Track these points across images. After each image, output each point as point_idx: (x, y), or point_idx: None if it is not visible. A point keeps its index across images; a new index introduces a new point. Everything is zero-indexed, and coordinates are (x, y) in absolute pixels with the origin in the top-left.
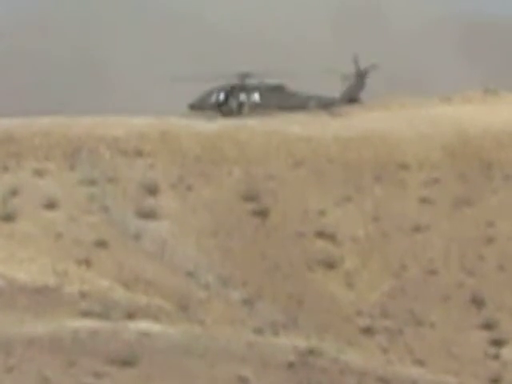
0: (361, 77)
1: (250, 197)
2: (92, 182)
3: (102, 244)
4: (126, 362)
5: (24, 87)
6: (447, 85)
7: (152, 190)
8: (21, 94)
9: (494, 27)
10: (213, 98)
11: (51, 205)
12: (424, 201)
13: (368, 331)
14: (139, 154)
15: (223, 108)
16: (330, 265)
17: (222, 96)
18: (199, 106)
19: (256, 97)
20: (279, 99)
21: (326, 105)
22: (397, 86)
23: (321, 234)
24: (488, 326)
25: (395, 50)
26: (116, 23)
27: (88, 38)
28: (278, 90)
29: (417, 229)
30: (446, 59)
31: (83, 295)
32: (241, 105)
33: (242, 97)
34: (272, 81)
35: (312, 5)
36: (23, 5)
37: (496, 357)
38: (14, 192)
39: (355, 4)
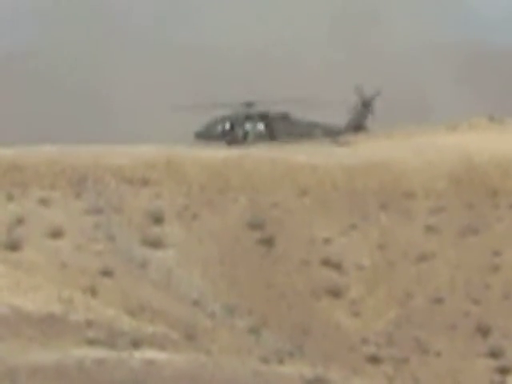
0: (366, 105)
1: (255, 225)
2: (97, 211)
3: (107, 272)
4: None
5: (27, 116)
6: (451, 112)
7: (158, 219)
8: (24, 123)
9: (497, 56)
10: (219, 127)
11: (57, 233)
12: (430, 229)
13: (374, 360)
14: (145, 182)
15: (229, 137)
16: (336, 293)
17: (227, 125)
18: (205, 135)
19: (261, 125)
20: (284, 128)
21: (331, 133)
22: (399, 111)
23: (326, 263)
24: (494, 354)
25: (398, 75)
26: (118, 54)
27: (90, 69)
28: (284, 118)
29: (422, 257)
30: (450, 86)
31: (89, 324)
32: (246, 133)
33: (248, 126)
34: (277, 109)
35: (308, 24)
36: (23, 34)
37: None
38: (19, 220)
39: (353, 26)
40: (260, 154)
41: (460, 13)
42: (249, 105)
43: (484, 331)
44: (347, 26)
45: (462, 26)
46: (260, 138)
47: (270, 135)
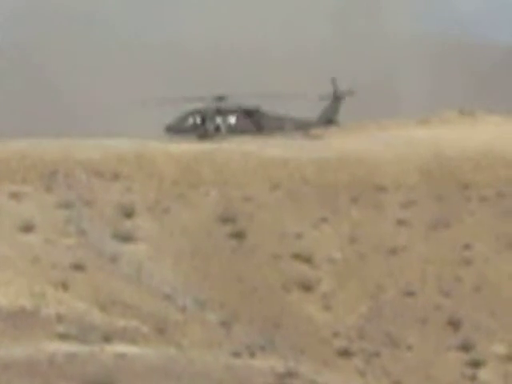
0: (337, 100)
1: (226, 219)
2: (68, 205)
3: (78, 267)
4: None
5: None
6: (423, 105)
7: (129, 213)
8: None
9: (470, 48)
10: (189, 121)
11: (28, 228)
12: (401, 222)
13: (345, 353)
14: (116, 176)
15: (200, 131)
16: (307, 287)
17: (198, 119)
18: (176, 129)
19: (232, 119)
20: (255, 122)
21: (302, 127)
22: (371, 104)
23: (297, 256)
24: (465, 347)
25: (370, 67)
26: (89, 49)
27: (62, 65)
28: (254, 112)
29: (393, 251)
30: (421, 79)
31: (60, 318)
32: (217, 127)
33: (219, 120)
34: (248, 103)
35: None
36: None
37: (473, 378)
38: None
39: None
40: (231, 147)
41: (436, 6)
42: (220, 98)
43: (455, 324)
44: (325, 16)
45: (436, 20)
46: (231, 131)
47: (241, 129)
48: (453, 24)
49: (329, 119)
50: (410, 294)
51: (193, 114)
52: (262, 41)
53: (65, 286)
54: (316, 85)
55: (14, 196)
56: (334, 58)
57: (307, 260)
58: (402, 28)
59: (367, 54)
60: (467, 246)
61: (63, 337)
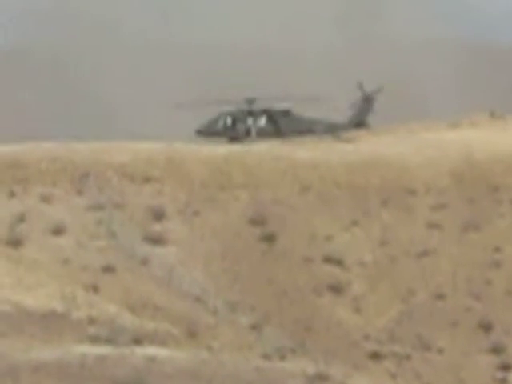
0: (367, 101)
1: (257, 222)
2: (99, 208)
3: (109, 269)
4: None
5: (29, 114)
6: (453, 108)
7: (159, 216)
8: (26, 121)
9: (498, 52)
10: (220, 124)
11: (58, 230)
12: (431, 225)
13: (375, 356)
14: (146, 179)
15: (230, 133)
16: (338, 290)
17: (229, 121)
18: (206, 132)
19: (263, 122)
20: (286, 124)
21: (333, 129)
22: (401, 108)
23: (328, 259)
24: (496, 350)
25: (399, 71)
26: (119, 52)
27: (92, 67)
28: (285, 114)
29: (424, 253)
30: (452, 82)
31: (91, 320)
32: (248, 130)
33: (249, 122)
34: (279, 105)
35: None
36: (27, 32)
37: (504, 381)
38: (21, 218)
39: (354, 22)
40: (262, 150)
41: (461, 9)
42: (250, 101)
43: (486, 327)
44: (349, 22)
45: (464, 23)
46: (262, 134)
47: (272, 131)
48: (483, 27)
49: (359, 122)
50: (441, 296)
51: (223, 116)
52: (281, 42)
53: (95, 289)
54: (341, 87)
55: (45, 198)
56: (359, 61)
57: (338, 263)
58: (433, 30)
59: (396, 58)
60: (498, 249)
61: (94, 339)
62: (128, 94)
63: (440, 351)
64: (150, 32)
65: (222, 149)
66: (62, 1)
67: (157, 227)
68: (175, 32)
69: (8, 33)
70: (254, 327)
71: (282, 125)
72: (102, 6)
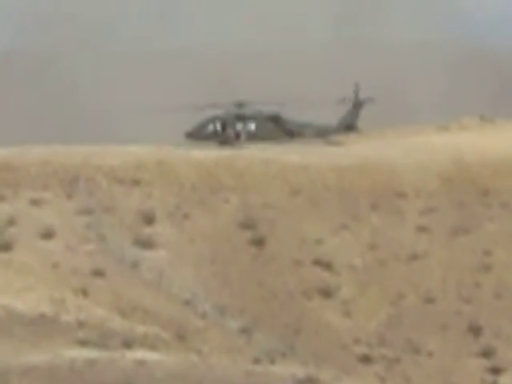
0: (357, 106)
1: (247, 225)
2: (89, 211)
3: (99, 273)
4: None
5: (18, 118)
6: (443, 111)
7: (149, 219)
8: (15, 125)
9: (489, 56)
10: (210, 127)
11: (48, 234)
12: (421, 229)
13: (365, 359)
14: (136, 182)
15: (220, 137)
16: (327, 293)
17: (218, 125)
18: (196, 135)
19: (252, 126)
20: (275, 128)
21: (322, 133)
22: (391, 110)
23: (318, 263)
24: (485, 353)
25: (390, 73)
26: (107, 56)
27: (81, 71)
28: (275, 118)
29: (414, 257)
30: (442, 85)
31: (80, 324)
32: (237, 134)
33: (239, 126)
34: (269, 109)
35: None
36: (17, 37)
37: None
38: (10, 221)
39: (348, 25)
40: (251, 154)
41: (453, 13)
42: (240, 105)
43: (475, 331)
44: (343, 24)
45: (455, 26)
46: (251, 138)
47: (262, 135)
48: (474, 30)
49: (349, 126)
50: (431, 300)
51: (213, 120)
52: (273, 45)
53: (85, 293)
54: (332, 90)
55: (35, 202)
56: (349, 64)
57: (327, 266)
58: (424, 33)
59: (385, 61)
60: (487, 253)
61: (83, 343)
62: (118, 98)
63: (430, 354)
64: (144, 36)
65: (211, 152)
66: (56, 4)
67: (146, 231)
68: (168, 36)
69: (2, 36)
70: (244, 331)
71: (271, 129)
72: (96, 10)
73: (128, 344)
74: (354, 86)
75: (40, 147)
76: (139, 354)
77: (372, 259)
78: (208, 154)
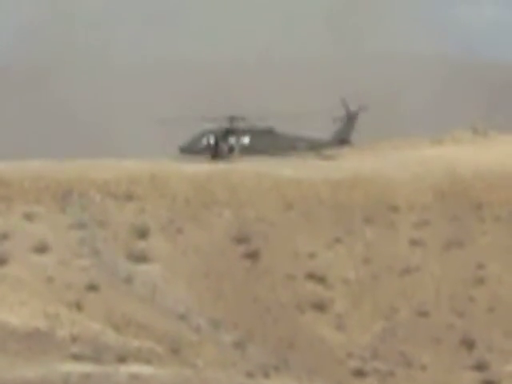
0: (351, 119)
1: (240, 239)
2: (82, 226)
3: (92, 287)
4: None
5: (10, 132)
6: (435, 124)
7: (142, 234)
8: (6, 139)
9: (481, 68)
10: (203, 141)
11: (42, 248)
12: (414, 242)
13: (359, 373)
14: (129, 197)
15: (213, 151)
16: (321, 307)
17: (212, 139)
18: (190, 149)
19: (246, 140)
20: (269, 142)
21: (315, 147)
22: (383, 124)
23: (311, 277)
24: (479, 367)
25: (382, 86)
26: (102, 71)
27: (73, 86)
28: (268, 132)
29: (407, 271)
30: (434, 98)
31: (74, 339)
32: (231, 148)
33: (232, 140)
34: (262, 123)
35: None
36: (8, 50)
37: None
38: (4, 236)
39: (339, 37)
40: (245, 168)
41: (446, 26)
42: (233, 119)
43: (469, 344)
44: (337, 37)
45: (448, 39)
46: (245, 152)
47: (255, 149)
48: (467, 44)
49: (342, 139)
50: (424, 313)
51: (206, 134)
52: (272, 56)
53: (79, 307)
54: (324, 102)
55: (28, 216)
56: (344, 77)
57: (321, 280)
58: (417, 46)
59: (378, 73)
60: (481, 266)
61: (77, 357)
62: (111, 112)
63: (423, 368)
64: (137, 50)
65: (205, 166)
66: (53, 17)
67: (140, 245)
68: (162, 49)
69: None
70: (238, 345)
71: (264, 143)
72: (88, 24)
73: (122, 358)
74: (342, 102)
75: (33, 162)
76: (133, 368)
77: (365, 273)
78: (201, 168)
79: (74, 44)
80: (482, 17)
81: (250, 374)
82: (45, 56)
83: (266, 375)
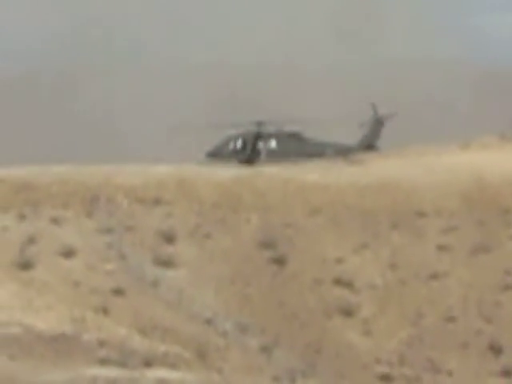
0: (378, 125)
1: (267, 244)
2: (109, 230)
3: (119, 292)
4: None
5: (40, 137)
6: (463, 129)
7: (169, 238)
8: (37, 144)
9: (508, 75)
10: (230, 146)
11: (69, 253)
12: (441, 248)
13: (386, 379)
14: (157, 202)
15: (241, 155)
16: (348, 312)
17: (239, 144)
18: (217, 154)
19: (273, 144)
20: (296, 146)
21: (342, 152)
22: (412, 128)
23: (338, 282)
24: (506, 373)
25: (409, 91)
26: (129, 77)
27: (103, 92)
28: (295, 137)
29: (434, 276)
30: (462, 103)
31: (101, 343)
32: (258, 152)
33: (259, 144)
34: (289, 128)
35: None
36: (37, 58)
37: None
38: (31, 240)
39: (358, 41)
40: (272, 172)
41: (474, 33)
42: (260, 124)
43: (496, 350)
44: (353, 39)
45: (476, 45)
46: (272, 156)
47: (282, 154)
48: (495, 51)
49: (369, 144)
50: (451, 319)
51: (234, 139)
52: (286, 62)
53: (105, 311)
54: (350, 107)
55: (55, 221)
56: (369, 83)
57: (348, 285)
58: (445, 52)
59: (407, 79)
60: (508, 272)
61: (104, 362)
62: (139, 117)
63: (450, 374)
64: (161, 55)
65: (232, 171)
66: (72, 26)
67: (167, 250)
68: (186, 54)
69: (19, 58)
70: (264, 349)
71: (291, 147)
72: (113, 30)
73: (148, 363)
74: (372, 106)
75: (61, 166)
76: (160, 372)
77: (392, 278)
78: (229, 172)
79: (99, 51)
80: (508, 25)
81: (276, 379)
82: (72, 62)
83: (293, 380)
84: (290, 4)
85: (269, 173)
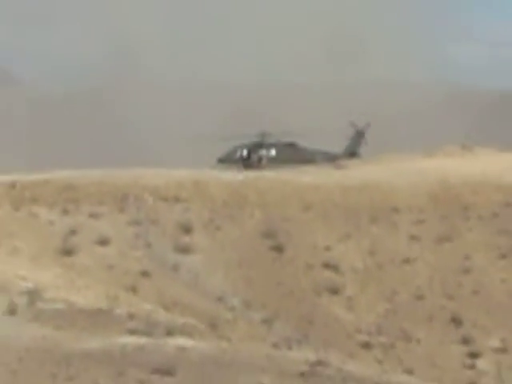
0: (359, 135)
1: (268, 235)
2: (138, 223)
3: (146, 274)
4: (167, 372)
5: (79, 146)
6: (431, 140)
7: (187, 230)
8: (77, 152)
9: (467, 95)
10: (237, 154)
11: (104, 241)
12: (412, 238)
13: (366, 346)
14: (177, 199)
15: (246, 162)
16: (334, 291)
17: (245, 152)
18: (226, 160)
19: (273, 152)
20: (292, 154)
21: (330, 159)
22: (387, 140)
23: (326, 266)
24: (465, 341)
25: (384, 108)
26: (154, 94)
27: (130, 107)
28: (291, 146)
29: (406, 261)
30: (430, 118)
31: (130, 316)
32: (260, 159)
33: (262, 152)
34: (286, 139)
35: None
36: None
37: (472, 367)
38: (73, 231)
39: (338, 65)
40: (272, 176)
41: (443, 58)
42: (262, 135)
43: (457, 322)
44: (341, 61)
45: (443, 70)
46: (272, 162)
47: (280, 160)
48: (452, 72)
49: (352, 152)
50: (420, 296)
51: (240, 147)
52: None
53: (134, 290)
54: (333, 122)
55: (93, 215)
56: (353, 99)
57: (334, 269)
58: (415, 77)
59: (385, 97)
60: (467, 257)
61: (133, 332)
62: (162, 130)
63: (419, 342)
64: (179, 77)
65: (239, 174)
66: (103, 51)
67: (185, 239)
68: (200, 76)
69: (67, 77)
70: (266, 321)
71: (288, 155)
72: (139, 50)
73: (170, 332)
74: (350, 123)
75: (97, 170)
76: (179, 341)
77: (371, 263)
78: (236, 175)
79: (129, 73)
80: (471, 53)
81: (276, 346)
82: (104, 82)
83: (289, 347)
84: (289, 30)
85: (269, 176)
